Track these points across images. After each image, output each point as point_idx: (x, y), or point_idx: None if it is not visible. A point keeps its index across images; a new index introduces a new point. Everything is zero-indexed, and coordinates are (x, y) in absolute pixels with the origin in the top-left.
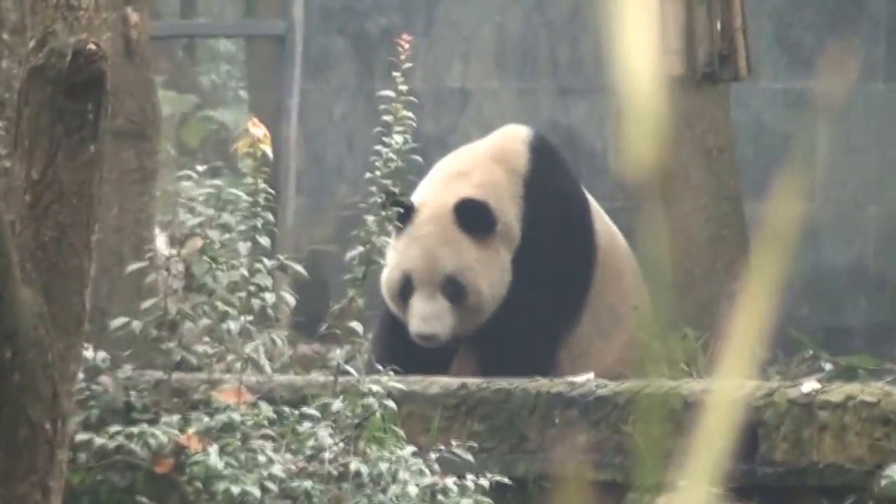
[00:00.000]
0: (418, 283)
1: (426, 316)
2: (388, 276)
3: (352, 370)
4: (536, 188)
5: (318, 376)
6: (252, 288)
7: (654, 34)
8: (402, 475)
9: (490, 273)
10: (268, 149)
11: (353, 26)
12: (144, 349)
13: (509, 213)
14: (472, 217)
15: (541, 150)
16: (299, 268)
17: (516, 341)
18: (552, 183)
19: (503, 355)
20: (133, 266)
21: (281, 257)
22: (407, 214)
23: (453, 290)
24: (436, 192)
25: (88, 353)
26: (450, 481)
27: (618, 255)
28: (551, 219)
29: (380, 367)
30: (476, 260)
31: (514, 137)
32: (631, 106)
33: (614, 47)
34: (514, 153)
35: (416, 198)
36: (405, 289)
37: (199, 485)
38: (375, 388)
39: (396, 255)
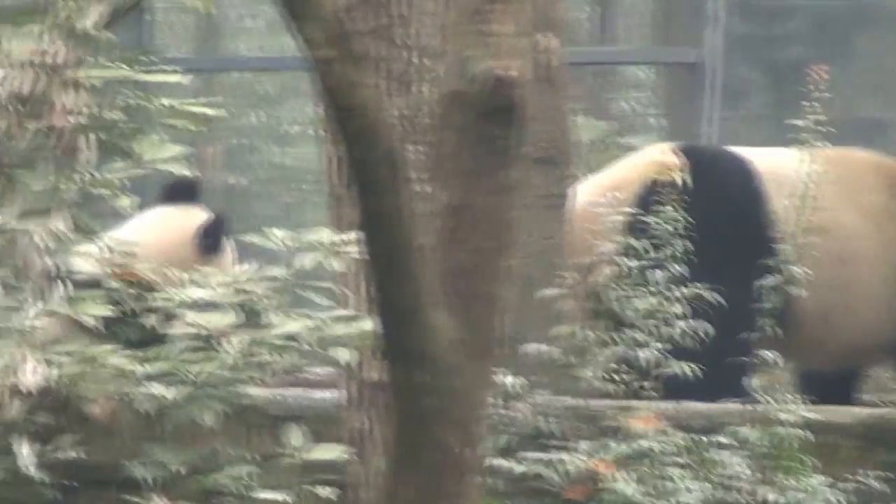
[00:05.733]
0: None
1: None
2: None
3: (768, 399)
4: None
5: (731, 404)
6: (665, 316)
7: None
8: None
9: None
10: (680, 176)
11: (767, 56)
12: (557, 375)
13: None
14: None
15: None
16: (712, 295)
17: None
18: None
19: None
20: (545, 292)
21: (696, 285)
22: None
23: None
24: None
25: (502, 378)
26: None
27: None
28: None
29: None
30: None
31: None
32: None
33: None
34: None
35: None
36: None
37: None
38: (788, 416)
39: None
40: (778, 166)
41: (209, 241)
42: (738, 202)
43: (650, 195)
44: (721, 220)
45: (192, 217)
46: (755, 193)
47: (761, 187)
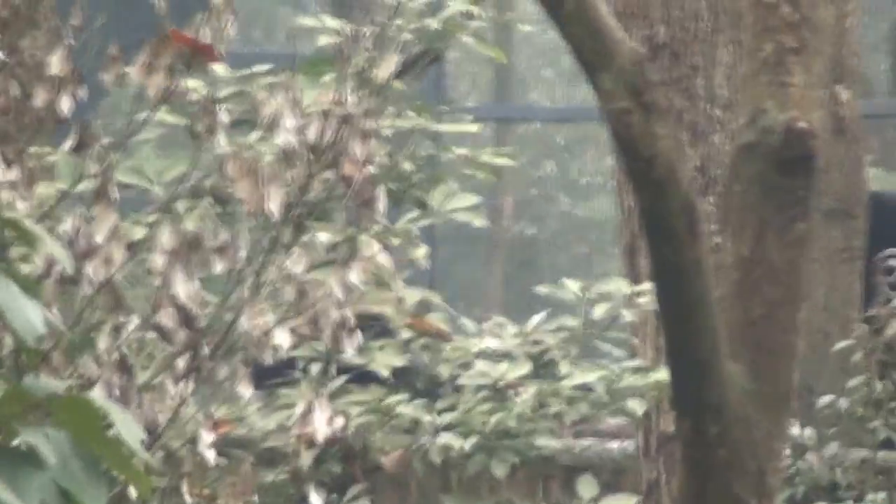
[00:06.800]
0: None
1: None
2: None
3: None
4: None
5: None
6: None
7: None
8: None
9: None
10: None
11: None
12: (850, 427)
13: None
14: None
15: None
16: None
17: None
18: None
19: None
20: (839, 344)
21: None
22: None
23: None
24: None
25: (795, 430)
26: None
27: None
28: None
29: None
30: None
31: None
32: None
33: None
34: None
35: None
36: None
37: None
38: None
39: None
40: None
41: None
42: None
43: None
44: None
45: None
46: None
47: None
